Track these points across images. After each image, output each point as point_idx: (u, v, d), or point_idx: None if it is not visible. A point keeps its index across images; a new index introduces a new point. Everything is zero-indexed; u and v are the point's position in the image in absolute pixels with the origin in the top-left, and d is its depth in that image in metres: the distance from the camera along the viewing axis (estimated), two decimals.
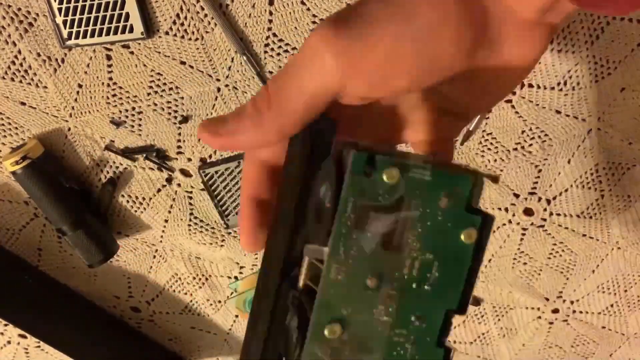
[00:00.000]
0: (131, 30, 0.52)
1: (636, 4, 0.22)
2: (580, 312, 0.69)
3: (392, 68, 0.22)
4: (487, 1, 0.22)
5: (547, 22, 0.23)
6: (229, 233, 0.65)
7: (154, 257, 0.67)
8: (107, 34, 0.52)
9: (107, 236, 0.63)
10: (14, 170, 0.56)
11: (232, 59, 0.53)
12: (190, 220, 0.64)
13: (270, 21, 0.52)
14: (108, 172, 0.61)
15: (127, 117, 0.57)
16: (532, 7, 0.22)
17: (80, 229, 0.59)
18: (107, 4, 0.51)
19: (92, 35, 0.52)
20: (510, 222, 0.61)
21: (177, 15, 0.52)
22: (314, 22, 0.52)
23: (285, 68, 0.24)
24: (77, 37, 0.52)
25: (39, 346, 0.75)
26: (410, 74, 0.22)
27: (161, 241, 0.66)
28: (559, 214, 0.61)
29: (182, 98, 0.56)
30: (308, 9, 0.51)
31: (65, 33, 0.52)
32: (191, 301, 0.72)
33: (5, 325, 0.72)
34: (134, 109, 0.57)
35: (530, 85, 0.55)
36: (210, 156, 0.59)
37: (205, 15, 0.52)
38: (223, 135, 0.26)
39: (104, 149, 0.59)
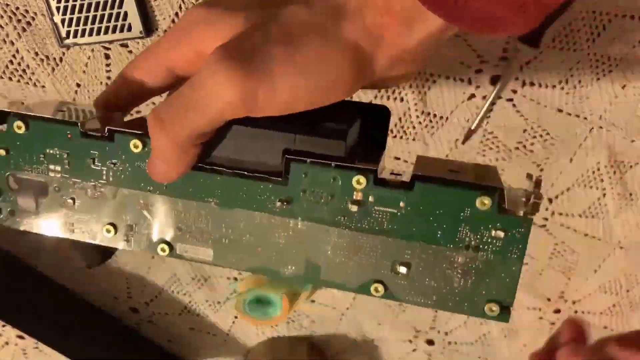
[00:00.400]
0: (130, 29, 0.52)
1: (528, 22, 0.24)
2: (582, 312, 0.69)
3: (291, 104, 0.26)
4: (375, 53, 0.26)
5: (419, 53, 0.27)
6: None
7: (153, 257, 0.67)
8: (106, 32, 0.52)
9: None
10: None
11: None
12: None
13: None
14: None
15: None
16: (404, 46, 0.26)
17: None
18: (106, 2, 0.51)
19: (91, 34, 0.52)
20: None
21: (176, 14, 0.51)
22: None
23: (183, 99, 0.26)
24: (75, 36, 0.52)
25: (37, 347, 0.75)
26: (308, 105, 0.26)
27: None
28: (560, 213, 0.61)
29: None
30: None
31: (63, 32, 0.52)
32: (190, 302, 0.71)
33: (3, 326, 0.72)
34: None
35: (532, 84, 0.55)
36: None
37: None
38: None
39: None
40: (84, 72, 0.54)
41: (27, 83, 0.55)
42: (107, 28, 0.52)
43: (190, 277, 0.69)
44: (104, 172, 0.30)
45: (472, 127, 0.56)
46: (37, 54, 0.53)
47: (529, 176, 0.28)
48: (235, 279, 0.69)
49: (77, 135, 0.30)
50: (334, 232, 0.29)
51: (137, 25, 0.51)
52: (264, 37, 0.25)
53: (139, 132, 0.29)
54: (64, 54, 0.53)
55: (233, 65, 0.24)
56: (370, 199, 0.28)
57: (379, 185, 0.28)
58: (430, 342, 0.74)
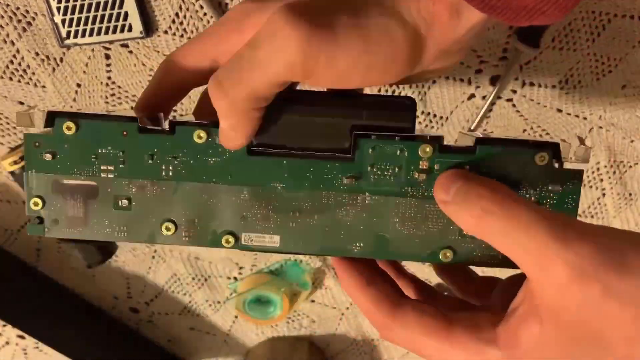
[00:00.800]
0: (130, 29, 0.52)
1: (566, 8, 0.25)
2: None
3: (345, 78, 0.26)
4: (428, 40, 0.26)
5: (463, 45, 0.28)
6: None
7: (153, 257, 0.67)
8: (106, 33, 0.52)
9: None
10: (12, 170, 0.55)
11: None
12: None
13: None
14: None
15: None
16: (453, 36, 0.27)
17: None
18: (106, 3, 0.51)
19: (91, 35, 0.52)
20: None
21: (176, 14, 0.51)
22: None
23: (242, 59, 0.25)
24: (75, 36, 0.52)
25: (37, 347, 0.74)
26: (359, 83, 0.26)
27: None
28: None
29: (182, 103, 0.56)
30: None
31: (64, 32, 0.52)
32: (190, 302, 0.71)
33: (4, 325, 0.72)
34: (132, 108, 0.56)
35: (532, 84, 0.55)
36: None
37: (205, 14, 0.51)
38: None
39: None
40: (84, 72, 0.54)
41: (28, 83, 0.55)
42: (107, 28, 0.52)
43: (190, 277, 0.69)
44: (163, 168, 0.30)
45: (472, 127, 0.56)
46: (37, 54, 0.53)
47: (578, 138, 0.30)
48: (235, 278, 0.69)
49: (134, 132, 0.29)
50: (401, 203, 0.30)
51: (138, 26, 0.52)
52: (330, 2, 0.25)
53: (204, 121, 0.29)
54: (64, 54, 0.53)
55: (298, 21, 0.24)
56: (436, 166, 0.29)
57: (444, 152, 0.29)
58: None
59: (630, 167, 0.58)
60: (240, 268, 0.68)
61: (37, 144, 0.30)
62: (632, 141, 0.57)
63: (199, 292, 0.70)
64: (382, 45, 0.25)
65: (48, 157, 0.30)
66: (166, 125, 0.29)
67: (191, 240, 0.30)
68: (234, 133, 0.27)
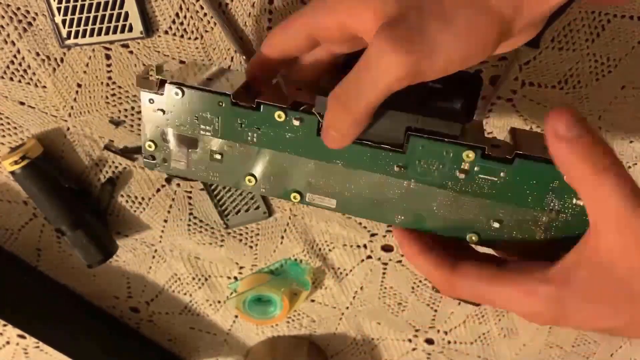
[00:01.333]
0: (130, 29, 0.52)
1: None
2: None
3: (446, 69, 0.30)
4: (513, 20, 0.29)
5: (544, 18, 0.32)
6: (229, 233, 0.65)
7: (153, 257, 0.67)
8: (107, 33, 0.52)
9: (106, 236, 0.63)
10: (12, 170, 0.55)
11: (232, 57, 0.53)
12: (189, 220, 0.64)
13: (270, 20, 0.52)
14: (107, 172, 0.61)
15: (126, 116, 0.57)
16: (543, 13, 0.30)
17: (80, 229, 0.59)
18: (107, 3, 0.51)
19: (92, 35, 0.52)
20: None
21: (177, 14, 0.51)
22: None
23: (359, 80, 0.31)
24: (76, 37, 0.52)
25: (37, 346, 0.75)
26: (458, 68, 0.30)
27: (160, 241, 0.66)
28: None
29: None
30: None
31: (64, 32, 0.52)
32: (190, 301, 0.71)
33: (4, 325, 0.72)
34: (133, 108, 0.56)
35: (531, 84, 0.55)
36: None
37: (205, 15, 0.51)
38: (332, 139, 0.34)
39: (103, 149, 0.59)
40: (85, 72, 0.54)
41: (29, 83, 0.55)
42: (107, 28, 0.52)
43: (190, 276, 0.69)
44: (249, 135, 0.37)
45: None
46: (37, 54, 0.53)
47: None
48: (236, 278, 0.69)
49: (228, 104, 0.36)
50: (440, 193, 0.35)
51: (138, 26, 0.52)
52: (419, 15, 0.29)
53: (283, 105, 0.35)
54: (64, 54, 0.53)
55: (398, 46, 0.29)
56: (476, 169, 0.34)
57: (484, 159, 0.33)
58: (429, 341, 0.74)
59: (630, 167, 0.59)
60: (241, 268, 0.68)
61: (151, 100, 0.37)
62: (631, 142, 0.57)
63: (199, 292, 0.70)
64: (473, 39, 0.29)
65: (160, 112, 0.37)
66: (255, 103, 0.36)
67: (267, 191, 0.38)
68: (340, 137, 0.33)
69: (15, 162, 0.55)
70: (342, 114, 0.32)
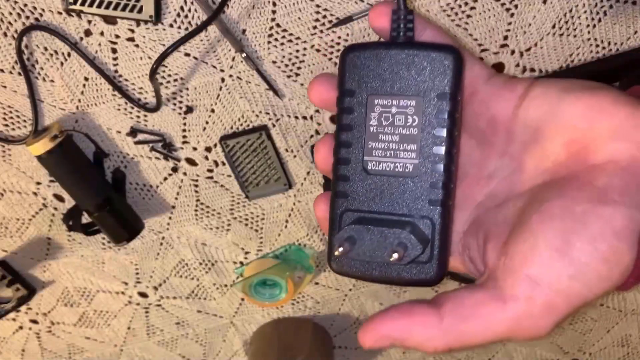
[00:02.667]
0: (140, 10, 0.51)
1: None
2: None
3: None
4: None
5: None
6: (235, 218, 0.66)
7: (161, 244, 0.69)
8: (115, 8, 0.51)
9: (132, 214, 0.64)
10: (46, 150, 0.55)
11: (236, 50, 0.54)
12: (196, 206, 0.65)
13: (274, 12, 0.52)
14: (115, 163, 0.62)
15: (132, 107, 0.58)
16: None
17: (109, 207, 0.60)
18: None
19: (99, 6, 0.51)
20: None
21: (181, 7, 0.52)
22: (317, 12, 0.52)
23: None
24: (83, 4, 0.51)
25: (49, 331, 0.76)
26: None
27: (168, 228, 0.67)
28: None
29: (187, 89, 0.57)
30: None
31: None
32: (198, 286, 0.73)
33: (17, 311, 0.73)
34: (139, 100, 0.57)
35: (532, 70, 0.56)
36: (215, 145, 0.60)
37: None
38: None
39: (128, 134, 0.59)
40: (92, 66, 0.55)
41: (37, 78, 0.56)
42: (117, 4, 0.51)
43: (197, 262, 0.70)
44: None
45: None
46: (46, 49, 0.54)
47: None
48: (242, 263, 0.70)
49: None
50: None
51: (149, 9, 0.51)
52: None
53: None
54: (71, 49, 0.54)
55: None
56: None
57: None
58: None
59: None
60: (246, 253, 0.70)
61: None
62: None
63: (206, 277, 0.72)
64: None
65: None
66: None
67: None
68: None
69: (55, 137, 0.55)
70: None
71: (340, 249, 0.28)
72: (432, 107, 0.28)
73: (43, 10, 0.52)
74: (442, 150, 0.27)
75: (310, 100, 0.31)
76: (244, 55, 0.54)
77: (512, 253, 0.26)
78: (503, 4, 0.52)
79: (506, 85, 0.29)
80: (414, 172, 0.28)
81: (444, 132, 0.27)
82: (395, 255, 0.27)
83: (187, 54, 0.55)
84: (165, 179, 0.63)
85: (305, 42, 0.54)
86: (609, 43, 0.54)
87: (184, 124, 0.59)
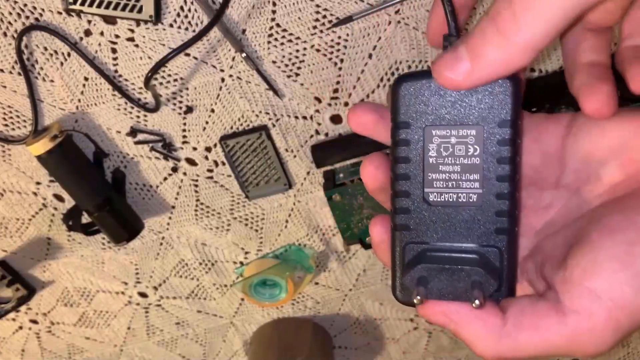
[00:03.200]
0: (140, 10, 0.51)
1: None
2: None
3: None
4: None
5: None
6: (235, 218, 0.66)
7: (161, 244, 0.69)
8: (115, 8, 0.51)
9: (132, 214, 0.64)
10: (46, 150, 0.55)
11: (236, 50, 0.54)
12: (196, 206, 0.65)
13: (274, 12, 0.52)
14: (115, 163, 0.62)
15: (132, 107, 0.58)
16: None
17: (109, 207, 0.60)
18: None
19: (99, 6, 0.51)
20: None
21: (181, 7, 0.52)
22: (317, 12, 0.52)
23: None
24: (83, 4, 0.51)
25: (49, 331, 0.76)
26: None
27: (168, 229, 0.67)
28: None
29: (187, 89, 0.57)
30: None
31: None
32: (197, 286, 0.73)
33: (17, 311, 0.73)
34: (139, 100, 0.57)
35: (532, 70, 0.56)
36: (215, 145, 0.60)
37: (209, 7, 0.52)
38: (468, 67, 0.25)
39: (128, 134, 0.59)
40: (92, 66, 0.55)
41: (37, 77, 0.56)
42: (117, 4, 0.51)
43: (197, 262, 0.70)
44: None
45: None
46: (45, 49, 0.54)
47: None
48: (242, 263, 0.70)
49: None
50: None
51: (149, 9, 0.51)
52: None
53: None
54: (71, 49, 0.54)
55: None
56: None
57: None
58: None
59: None
60: (246, 253, 0.70)
61: None
62: None
63: (206, 277, 0.72)
64: None
65: None
66: None
67: None
68: (474, 75, 0.25)
69: (55, 137, 0.55)
70: (496, 40, 0.24)
71: (418, 297, 0.27)
72: (494, 135, 0.27)
73: (43, 10, 0.52)
74: (506, 178, 0.27)
75: (351, 127, 0.31)
76: (244, 55, 0.54)
77: (572, 267, 0.25)
78: None
79: (549, 119, 0.29)
80: (478, 201, 0.28)
81: (507, 160, 0.27)
82: (477, 302, 0.26)
83: (187, 54, 0.55)
84: (165, 179, 0.63)
85: (305, 42, 0.54)
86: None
87: (184, 124, 0.59)
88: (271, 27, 0.53)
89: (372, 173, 0.30)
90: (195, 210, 0.66)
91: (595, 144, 0.27)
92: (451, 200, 0.28)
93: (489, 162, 0.27)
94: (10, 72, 0.55)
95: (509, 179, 0.27)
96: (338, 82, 0.56)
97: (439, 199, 0.28)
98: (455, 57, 0.25)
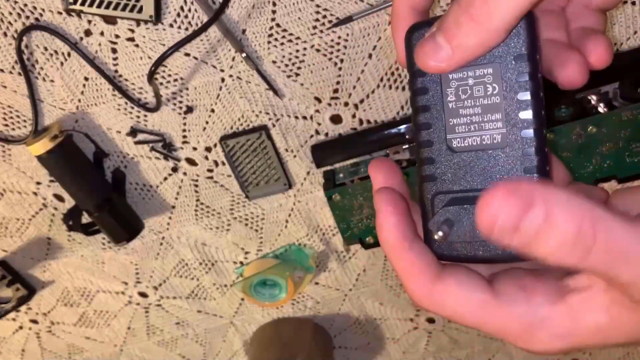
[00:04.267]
0: (140, 10, 0.51)
1: None
2: None
3: None
4: None
5: None
6: (235, 218, 0.66)
7: (161, 244, 0.69)
8: (115, 8, 0.51)
9: (132, 214, 0.64)
10: (47, 150, 0.55)
11: (236, 51, 0.54)
12: (196, 206, 0.65)
13: (274, 12, 0.52)
14: (115, 163, 0.62)
15: (132, 107, 0.58)
16: None
17: (109, 208, 0.61)
18: None
19: (99, 6, 0.51)
20: None
21: (181, 7, 0.52)
22: (317, 12, 0.52)
23: None
24: (83, 4, 0.51)
25: (49, 331, 0.76)
26: None
27: (168, 229, 0.67)
28: None
29: (187, 89, 0.57)
30: None
31: None
32: (198, 286, 0.73)
33: (17, 311, 0.74)
34: (139, 100, 0.57)
35: None
36: (215, 145, 0.60)
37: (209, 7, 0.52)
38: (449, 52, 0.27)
39: (128, 134, 0.59)
40: (92, 66, 0.55)
41: (37, 77, 0.56)
42: (117, 4, 0.51)
43: (197, 262, 0.70)
44: None
45: None
46: (46, 49, 0.54)
47: None
48: (242, 263, 0.70)
49: None
50: None
51: (149, 9, 0.51)
52: None
53: None
54: (71, 49, 0.54)
55: None
56: None
57: None
58: (430, 320, 0.76)
59: None
60: (246, 253, 0.70)
61: None
62: None
63: (206, 277, 0.72)
64: None
65: None
66: None
67: None
68: (454, 58, 0.27)
69: (55, 137, 0.55)
70: (469, 26, 0.25)
71: (440, 233, 0.27)
72: (512, 71, 0.26)
73: (43, 10, 0.52)
74: (529, 114, 0.26)
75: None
76: (244, 55, 0.54)
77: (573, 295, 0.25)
78: None
79: (583, 190, 0.29)
80: (503, 141, 0.27)
81: (528, 95, 0.26)
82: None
83: (187, 54, 0.55)
84: (165, 179, 0.63)
85: (305, 42, 0.54)
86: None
87: (184, 124, 0.59)
88: (271, 27, 0.53)
89: (380, 179, 0.30)
90: (195, 210, 0.66)
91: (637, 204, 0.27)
92: (475, 144, 0.27)
93: (509, 99, 0.26)
94: (11, 72, 0.55)
95: (533, 115, 0.26)
96: (338, 82, 0.56)
97: (462, 144, 0.27)
98: (436, 46, 0.26)
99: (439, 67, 0.27)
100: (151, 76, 0.53)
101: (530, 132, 0.26)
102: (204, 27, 0.50)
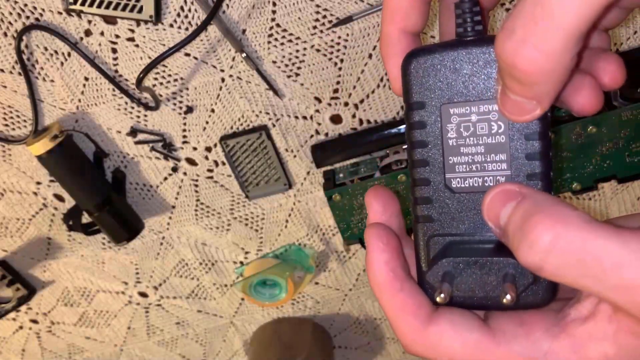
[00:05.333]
0: (140, 10, 0.51)
1: None
2: None
3: None
4: None
5: None
6: (235, 218, 0.66)
7: (161, 244, 0.69)
8: (115, 8, 0.51)
9: (132, 214, 0.64)
10: (47, 150, 0.55)
11: (237, 50, 0.54)
12: (196, 206, 0.65)
13: (274, 12, 0.52)
14: (115, 163, 0.62)
15: (133, 107, 0.58)
16: None
17: (109, 207, 0.61)
18: None
19: (99, 6, 0.51)
20: None
21: (181, 7, 0.52)
22: (317, 12, 0.52)
23: None
24: (83, 4, 0.51)
25: (50, 331, 0.76)
26: None
27: (168, 228, 0.67)
28: None
29: (187, 89, 0.57)
30: None
31: None
32: (198, 286, 0.73)
33: (17, 311, 0.74)
34: (140, 100, 0.57)
35: None
36: (215, 145, 0.60)
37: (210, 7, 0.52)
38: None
39: (128, 134, 0.59)
40: (92, 66, 0.55)
41: (37, 77, 0.56)
42: (117, 4, 0.51)
43: (197, 262, 0.70)
44: None
45: None
46: (46, 49, 0.54)
47: None
48: (242, 263, 0.70)
49: None
50: None
51: (149, 9, 0.51)
52: None
53: None
54: (71, 49, 0.54)
55: None
56: None
57: None
58: None
59: None
60: (246, 253, 0.70)
61: None
62: None
63: (206, 277, 0.72)
64: None
65: None
66: None
67: None
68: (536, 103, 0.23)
69: (55, 137, 0.55)
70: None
71: (442, 295, 0.24)
72: None
73: (43, 10, 0.52)
74: (537, 156, 0.24)
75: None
76: (244, 55, 0.54)
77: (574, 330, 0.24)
78: None
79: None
80: None
81: (536, 136, 0.24)
82: (509, 297, 0.23)
83: (187, 54, 0.55)
84: (165, 179, 0.63)
85: (305, 42, 0.54)
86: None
87: (184, 124, 0.59)
88: (271, 27, 0.53)
89: (376, 209, 0.28)
90: (195, 210, 0.66)
91: None
92: (476, 185, 0.25)
93: (516, 139, 0.24)
94: (11, 72, 0.55)
95: (540, 157, 0.24)
96: (338, 82, 0.56)
97: (462, 185, 0.25)
98: (523, 109, 0.23)
99: (526, 120, 0.24)
100: (139, 83, 0.53)
101: (536, 176, 0.24)
102: (198, 30, 0.50)
